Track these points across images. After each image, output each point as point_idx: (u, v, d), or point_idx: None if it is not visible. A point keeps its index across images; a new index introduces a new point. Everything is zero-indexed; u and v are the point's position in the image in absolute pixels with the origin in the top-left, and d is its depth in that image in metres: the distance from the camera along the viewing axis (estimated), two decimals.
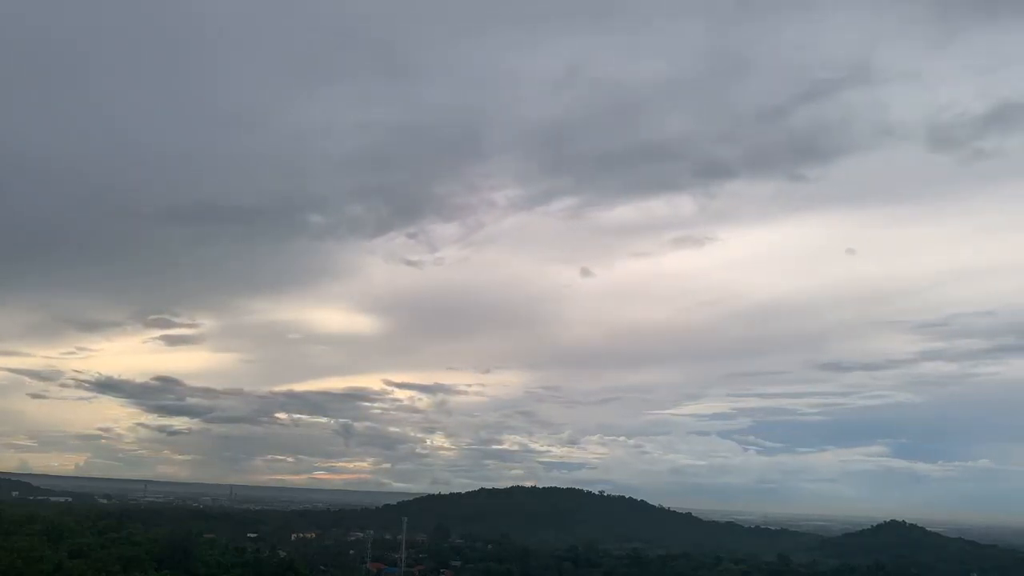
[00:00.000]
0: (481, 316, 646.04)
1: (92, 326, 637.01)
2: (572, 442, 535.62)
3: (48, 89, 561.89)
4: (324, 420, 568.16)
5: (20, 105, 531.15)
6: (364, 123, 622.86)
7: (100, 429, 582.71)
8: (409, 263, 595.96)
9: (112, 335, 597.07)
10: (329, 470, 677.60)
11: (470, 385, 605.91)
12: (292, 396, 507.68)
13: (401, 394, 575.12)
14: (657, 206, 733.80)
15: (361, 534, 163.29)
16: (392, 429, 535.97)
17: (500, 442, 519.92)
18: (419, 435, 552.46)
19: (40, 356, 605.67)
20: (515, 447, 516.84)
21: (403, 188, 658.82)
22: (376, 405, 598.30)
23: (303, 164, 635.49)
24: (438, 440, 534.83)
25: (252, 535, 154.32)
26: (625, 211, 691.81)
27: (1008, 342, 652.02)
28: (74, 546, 74.27)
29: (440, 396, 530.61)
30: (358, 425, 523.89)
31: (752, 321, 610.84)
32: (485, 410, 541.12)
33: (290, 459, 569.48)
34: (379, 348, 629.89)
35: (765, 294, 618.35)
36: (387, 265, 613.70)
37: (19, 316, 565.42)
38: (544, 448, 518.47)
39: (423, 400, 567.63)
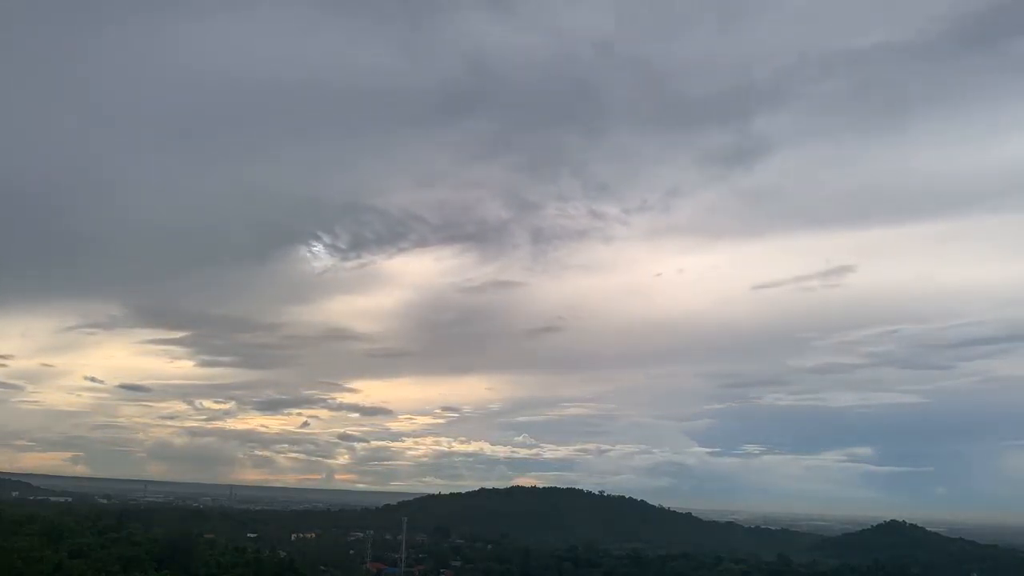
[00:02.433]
0: None
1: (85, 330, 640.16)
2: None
3: None
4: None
5: None
6: None
7: (98, 430, 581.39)
8: None
9: (108, 340, 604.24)
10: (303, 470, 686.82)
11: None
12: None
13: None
14: None
15: (361, 534, 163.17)
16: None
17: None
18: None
19: (40, 358, 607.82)
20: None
21: None
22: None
23: None
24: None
25: (252, 535, 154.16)
26: None
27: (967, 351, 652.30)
28: (74, 546, 74.14)
29: None
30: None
31: None
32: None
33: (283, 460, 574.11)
34: None
35: None
36: None
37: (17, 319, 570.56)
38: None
39: None
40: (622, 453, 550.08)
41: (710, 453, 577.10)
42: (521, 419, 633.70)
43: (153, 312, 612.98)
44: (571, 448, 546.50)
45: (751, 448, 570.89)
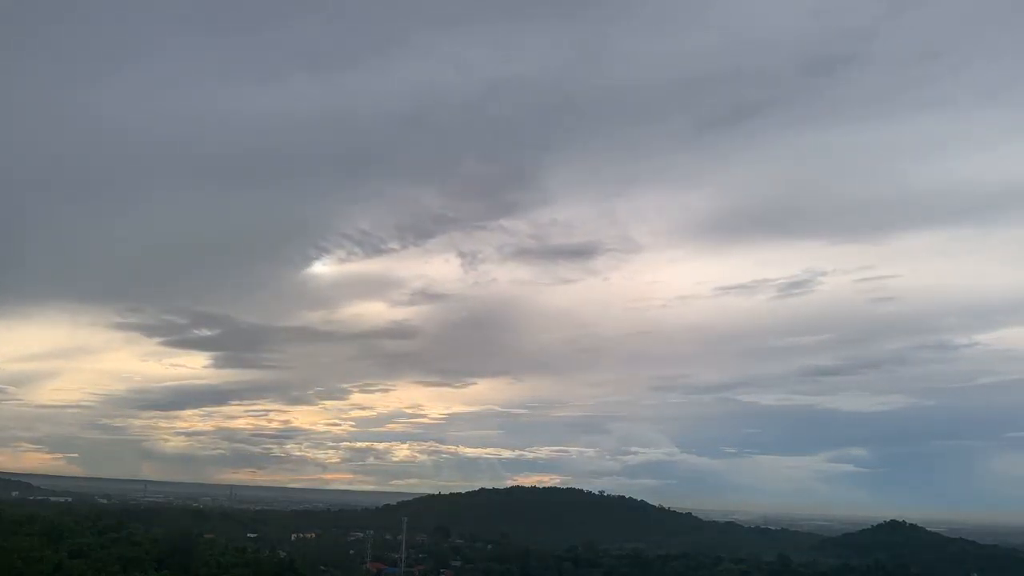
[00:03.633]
0: None
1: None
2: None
3: None
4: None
5: None
6: None
7: (98, 430, 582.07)
8: None
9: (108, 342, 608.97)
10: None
11: None
12: None
13: None
14: None
15: (361, 534, 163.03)
16: None
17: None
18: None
19: (40, 359, 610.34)
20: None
21: None
22: None
23: None
24: None
25: (252, 535, 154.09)
26: None
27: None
28: (74, 546, 74.08)
29: None
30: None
31: None
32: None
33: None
34: None
35: None
36: None
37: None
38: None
39: None
40: (618, 453, 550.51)
41: (710, 453, 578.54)
42: (516, 420, 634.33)
43: (150, 315, 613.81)
44: (567, 448, 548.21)
45: (750, 448, 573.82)
